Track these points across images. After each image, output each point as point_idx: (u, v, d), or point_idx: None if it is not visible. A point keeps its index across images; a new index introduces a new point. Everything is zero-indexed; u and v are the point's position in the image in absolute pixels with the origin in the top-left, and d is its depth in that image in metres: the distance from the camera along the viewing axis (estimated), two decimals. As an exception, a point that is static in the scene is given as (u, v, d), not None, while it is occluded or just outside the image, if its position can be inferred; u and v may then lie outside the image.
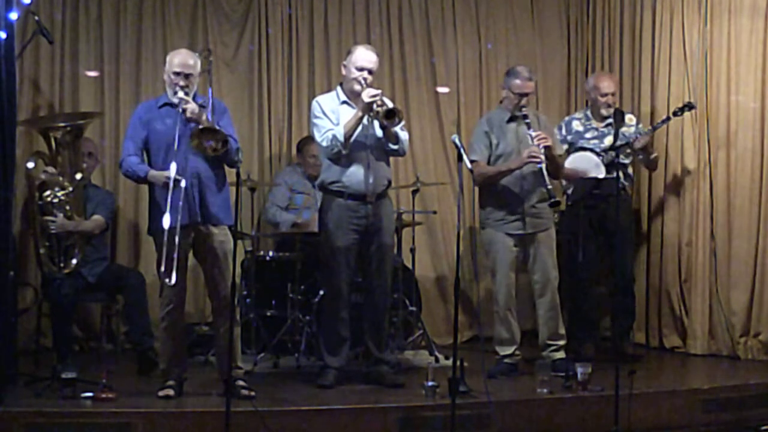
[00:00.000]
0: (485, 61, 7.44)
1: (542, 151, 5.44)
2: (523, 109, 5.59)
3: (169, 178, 4.80)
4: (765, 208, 6.24)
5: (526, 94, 5.63)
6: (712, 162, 6.41)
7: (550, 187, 5.40)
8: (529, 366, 5.72)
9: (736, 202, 6.34)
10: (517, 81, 5.62)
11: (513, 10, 7.54)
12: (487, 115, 5.87)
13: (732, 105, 6.36)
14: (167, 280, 4.78)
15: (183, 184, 4.81)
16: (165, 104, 5.04)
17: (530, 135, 5.50)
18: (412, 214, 6.46)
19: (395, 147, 5.33)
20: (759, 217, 6.25)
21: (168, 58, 5.04)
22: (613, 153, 6.11)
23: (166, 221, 4.73)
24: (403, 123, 5.33)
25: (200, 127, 4.79)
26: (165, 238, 4.76)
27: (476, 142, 5.70)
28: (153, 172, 4.93)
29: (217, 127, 4.81)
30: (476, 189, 5.89)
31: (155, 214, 4.95)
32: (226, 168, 5.10)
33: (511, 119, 5.66)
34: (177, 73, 4.94)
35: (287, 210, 6.57)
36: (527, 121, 5.54)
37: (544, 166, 5.42)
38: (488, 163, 5.65)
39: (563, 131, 6.43)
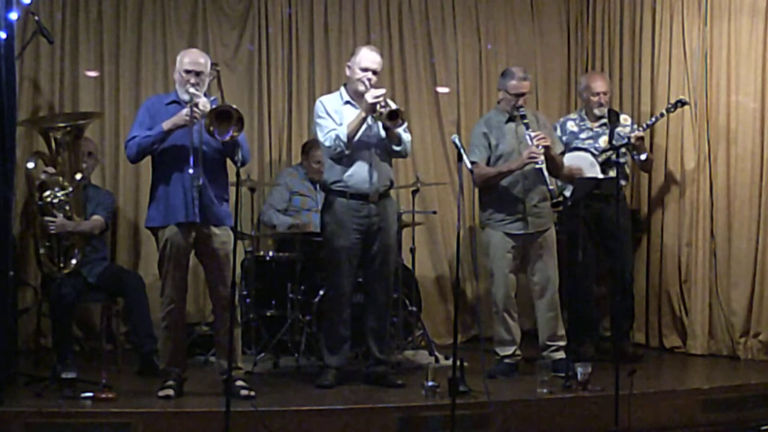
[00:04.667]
0: (485, 61, 7.44)
1: (541, 150, 5.45)
2: (521, 109, 5.59)
3: (190, 112, 4.76)
4: (765, 208, 6.24)
5: (523, 94, 5.63)
6: (711, 162, 6.41)
7: (552, 187, 5.41)
8: (529, 366, 5.72)
9: (736, 202, 6.34)
10: (513, 81, 5.63)
11: (513, 10, 7.55)
12: (485, 117, 5.87)
13: (732, 105, 6.36)
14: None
15: (201, 180, 4.80)
16: (173, 102, 5.03)
17: (529, 135, 5.50)
18: (412, 214, 6.46)
19: (398, 148, 5.33)
20: (759, 217, 6.25)
21: (179, 57, 5.04)
22: (609, 153, 6.11)
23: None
24: (406, 125, 5.34)
25: (214, 107, 4.72)
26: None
27: (475, 143, 5.70)
28: (168, 120, 4.87)
29: (232, 105, 4.75)
30: (476, 190, 5.89)
31: (157, 207, 4.96)
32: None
33: (510, 120, 5.66)
34: (188, 71, 4.94)
35: (285, 212, 6.57)
36: (525, 121, 5.55)
37: (543, 165, 5.43)
38: (488, 163, 5.66)
39: (558, 132, 6.42)
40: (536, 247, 5.65)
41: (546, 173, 5.42)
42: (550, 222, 5.72)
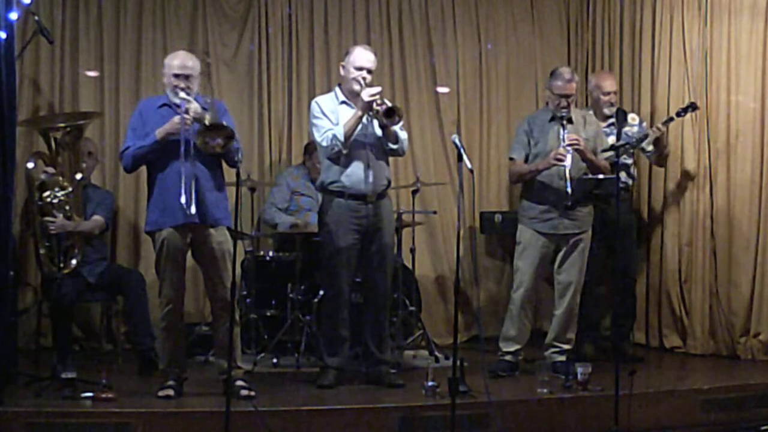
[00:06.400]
0: (485, 61, 7.45)
1: (567, 151, 5.44)
2: (564, 110, 5.59)
3: (182, 120, 4.77)
4: (765, 208, 6.24)
5: (567, 96, 5.62)
6: (712, 162, 6.41)
7: (569, 189, 5.40)
8: (529, 366, 5.72)
9: (736, 202, 6.33)
10: (558, 82, 5.64)
11: (513, 10, 7.55)
12: (532, 114, 5.92)
13: (732, 105, 6.35)
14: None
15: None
16: (164, 105, 5.03)
17: (562, 136, 5.51)
18: (412, 214, 6.46)
19: (395, 146, 5.33)
20: (759, 217, 6.24)
21: (166, 62, 5.03)
22: (612, 153, 6.10)
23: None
24: (402, 122, 5.34)
25: (206, 123, 4.75)
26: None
27: (516, 140, 5.77)
28: (160, 128, 4.87)
29: (223, 123, 4.79)
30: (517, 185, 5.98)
31: (154, 210, 4.95)
32: (226, 168, 5.09)
33: (553, 119, 5.67)
34: (177, 75, 4.94)
35: (287, 211, 6.57)
36: (563, 122, 5.54)
37: (568, 167, 5.42)
38: (526, 161, 5.69)
39: None
40: (568, 248, 5.64)
41: (568, 175, 5.40)
42: (586, 225, 5.70)
